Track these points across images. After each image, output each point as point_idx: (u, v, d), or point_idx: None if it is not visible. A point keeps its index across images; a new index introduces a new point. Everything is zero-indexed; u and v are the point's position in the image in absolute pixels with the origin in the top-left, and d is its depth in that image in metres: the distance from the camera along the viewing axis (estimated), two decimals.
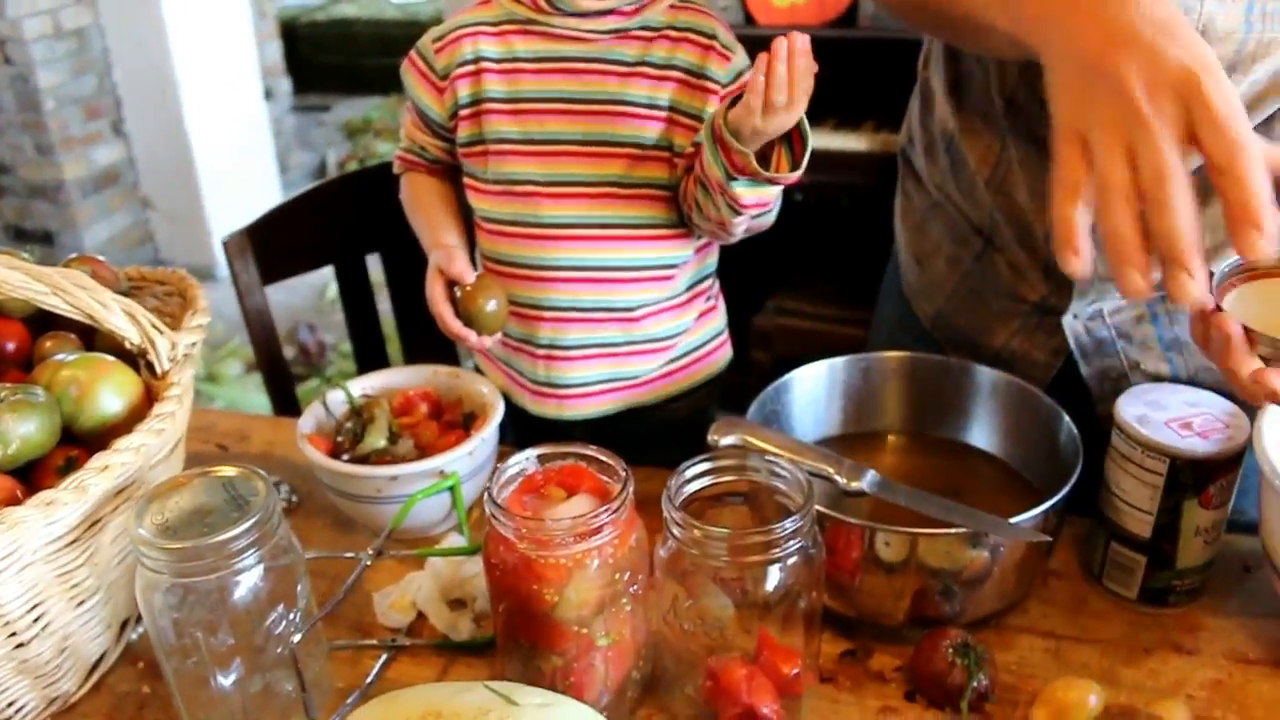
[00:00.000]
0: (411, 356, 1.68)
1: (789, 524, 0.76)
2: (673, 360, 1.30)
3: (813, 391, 1.09)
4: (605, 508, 0.79)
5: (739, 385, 1.50)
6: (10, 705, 0.89)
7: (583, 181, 1.19)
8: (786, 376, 1.06)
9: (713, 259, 1.31)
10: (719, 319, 1.35)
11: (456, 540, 1.08)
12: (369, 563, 0.93)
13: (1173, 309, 1.04)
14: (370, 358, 1.65)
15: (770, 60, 0.98)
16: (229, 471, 0.85)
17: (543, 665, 0.84)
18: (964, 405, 1.07)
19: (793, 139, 1.05)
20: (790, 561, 0.78)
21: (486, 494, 0.81)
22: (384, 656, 0.97)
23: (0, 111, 3.95)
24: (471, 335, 1.17)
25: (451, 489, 1.06)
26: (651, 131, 1.17)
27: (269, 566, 0.82)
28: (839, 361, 1.09)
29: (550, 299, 1.23)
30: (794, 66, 0.98)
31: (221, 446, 1.33)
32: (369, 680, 0.94)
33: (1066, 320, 1.06)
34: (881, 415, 1.11)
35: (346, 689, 0.94)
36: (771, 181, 1.06)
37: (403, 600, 1.01)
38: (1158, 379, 0.99)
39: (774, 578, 0.79)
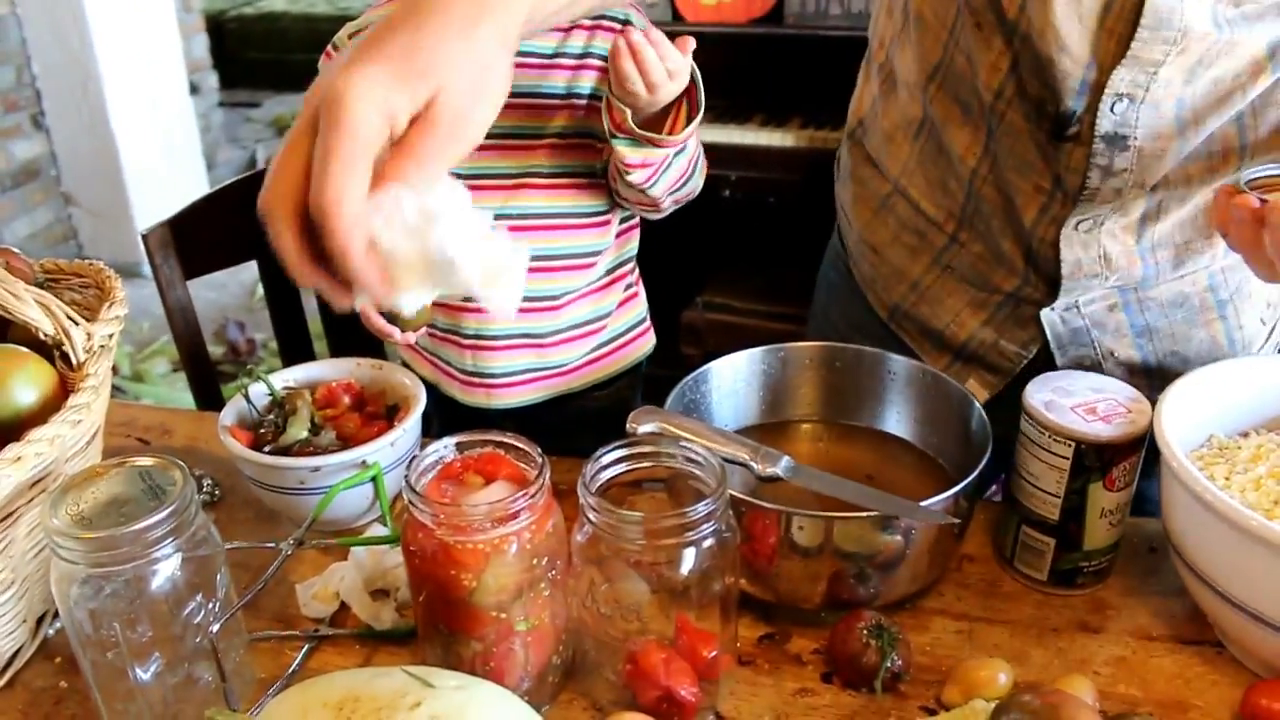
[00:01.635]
0: (339, 352, 1.67)
1: (702, 507, 0.78)
2: (597, 348, 1.31)
3: (731, 382, 1.10)
4: (522, 493, 0.79)
5: (668, 379, 1.51)
6: None
7: (506, 174, 1.20)
8: (705, 367, 1.08)
9: (632, 245, 1.33)
10: (640, 306, 1.37)
11: (379, 531, 1.08)
12: (290, 553, 0.93)
13: (1142, 296, 1.08)
14: (298, 355, 1.64)
15: (616, 60, 1.01)
16: (146, 462, 0.84)
17: (463, 651, 0.84)
18: (879, 393, 1.09)
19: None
20: (705, 545, 0.80)
21: (405, 481, 0.81)
22: (306, 647, 0.97)
23: None
24: (396, 332, 1.18)
25: (374, 480, 1.06)
26: (573, 121, 1.18)
27: (187, 556, 0.82)
28: (756, 352, 1.11)
29: None
30: (641, 61, 1.01)
31: (143, 441, 1.31)
32: (291, 670, 0.94)
33: (1044, 312, 1.09)
34: (799, 404, 1.13)
35: (269, 679, 0.94)
36: (650, 142, 1.08)
37: (325, 591, 1.01)
38: (1130, 366, 1.02)
39: (689, 561, 0.80)
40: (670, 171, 1.14)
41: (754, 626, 0.97)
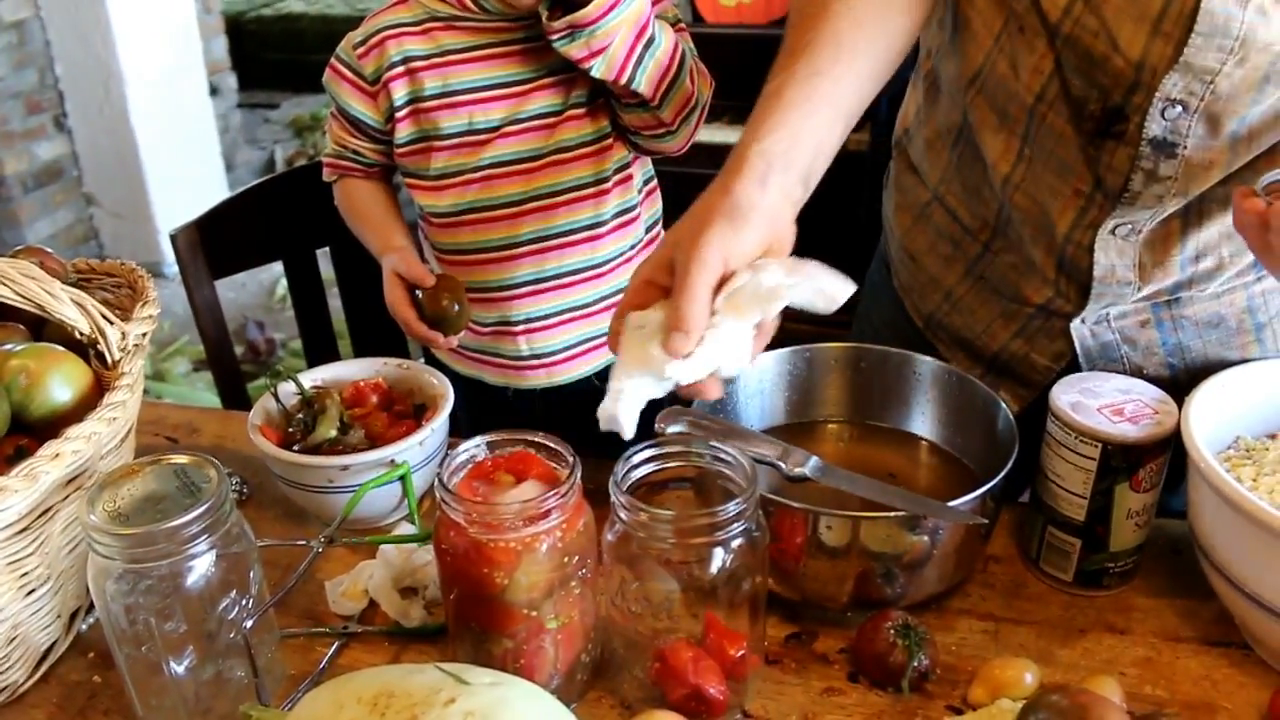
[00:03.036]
0: (362, 352, 1.69)
1: (732, 507, 0.78)
2: None
3: (758, 382, 1.11)
4: (554, 491, 0.80)
5: None
6: None
7: (535, 156, 1.21)
8: None
9: (659, 206, 1.37)
10: None
11: (407, 529, 1.08)
12: (320, 550, 0.94)
13: (1176, 314, 1.07)
14: (321, 354, 1.65)
15: None
16: (181, 459, 0.86)
17: (493, 648, 0.85)
18: (905, 394, 1.10)
19: None
20: (734, 544, 0.80)
21: (437, 479, 0.82)
22: (336, 644, 0.98)
23: None
24: (439, 337, 1.19)
25: (402, 479, 1.07)
26: (589, 89, 1.19)
27: (221, 553, 0.83)
28: (783, 352, 1.11)
29: (519, 275, 1.26)
30: None
31: (171, 439, 1.32)
32: (321, 667, 0.95)
33: (1074, 325, 1.08)
34: (825, 404, 1.13)
35: (299, 676, 0.95)
36: (571, 25, 1.09)
37: (354, 588, 1.02)
38: (1158, 383, 1.02)
39: (718, 560, 0.81)
40: (646, 67, 1.13)
41: (781, 626, 0.97)
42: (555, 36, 1.10)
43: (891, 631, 0.89)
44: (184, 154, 4.40)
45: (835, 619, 0.97)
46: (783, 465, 0.92)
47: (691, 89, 1.20)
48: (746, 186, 0.84)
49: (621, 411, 0.82)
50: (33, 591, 0.89)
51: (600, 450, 1.06)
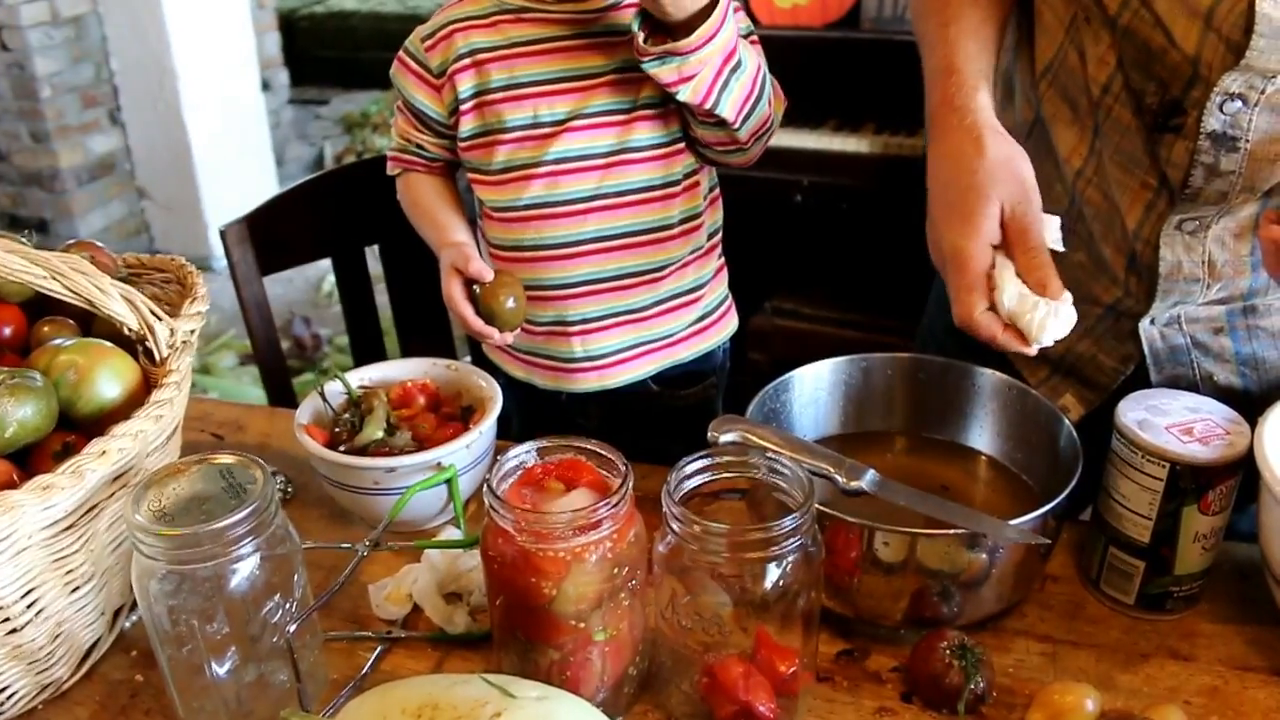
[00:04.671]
0: (409, 350, 1.68)
1: (789, 522, 0.76)
2: (697, 320, 1.31)
3: (813, 391, 1.08)
4: (605, 501, 0.78)
5: (736, 385, 1.50)
6: (1, 691, 0.88)
7: (599, 154, 1.19)
8: (786, 376, 1.06)
9: (720, 214, 1.34)
10: (726, 281, 1.37)
11: (453, 534, 1.07)
12: (365, 554, 0.93)
13: (1252, 323, 1.04)
14: (367, 351, 1.65)
15: None
16: (227, 459, 0.85)
17: (539, 659, 0.83)
18: (964, 407, 1.07)
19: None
20: (789, 560, 0.78)
21: (486, 485, 0.80)
22: (379, 649, 0.97)
23: None
24: (494, 332, 1.17)
25: (449, 482, 1.06)
26: (660, 92, 1.17)
27: (265, 555, 0.82)
28: (839, 361, 1.09)
29: (579, 274, 1.24)
30: None
31: (217, 436, 1.32)
32: (364, 672, 0.94)
33: (1143, 325, 1.06)
34: (881, 416, 1.11)
35: (341, 680, 0.94)
36: (669, 52, 1.07)
37: (399, 592, 1.01)
38: (1229, 392, 0.99)
39: (772, 575, 0.78)
40: (731, 91, 1.11)
41: (832, 642, 0.95)
42: (648, 59, 1.08)
43: (947, 652, 0.87)
44: (235, 149, 4.44)
45: (889, 636, 0.94)
46: (839, 478, 0.89)
47: (769, 111, 1.18)
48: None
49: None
50: (77, 589, 0.88)
51: (652, 457, 1.05)
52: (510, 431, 1.39)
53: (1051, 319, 0.89)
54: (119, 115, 4.22)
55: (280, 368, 1.55)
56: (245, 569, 0.81)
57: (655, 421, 1.30)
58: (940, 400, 1.08)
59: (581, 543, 0.79)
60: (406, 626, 0.99)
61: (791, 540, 0.77)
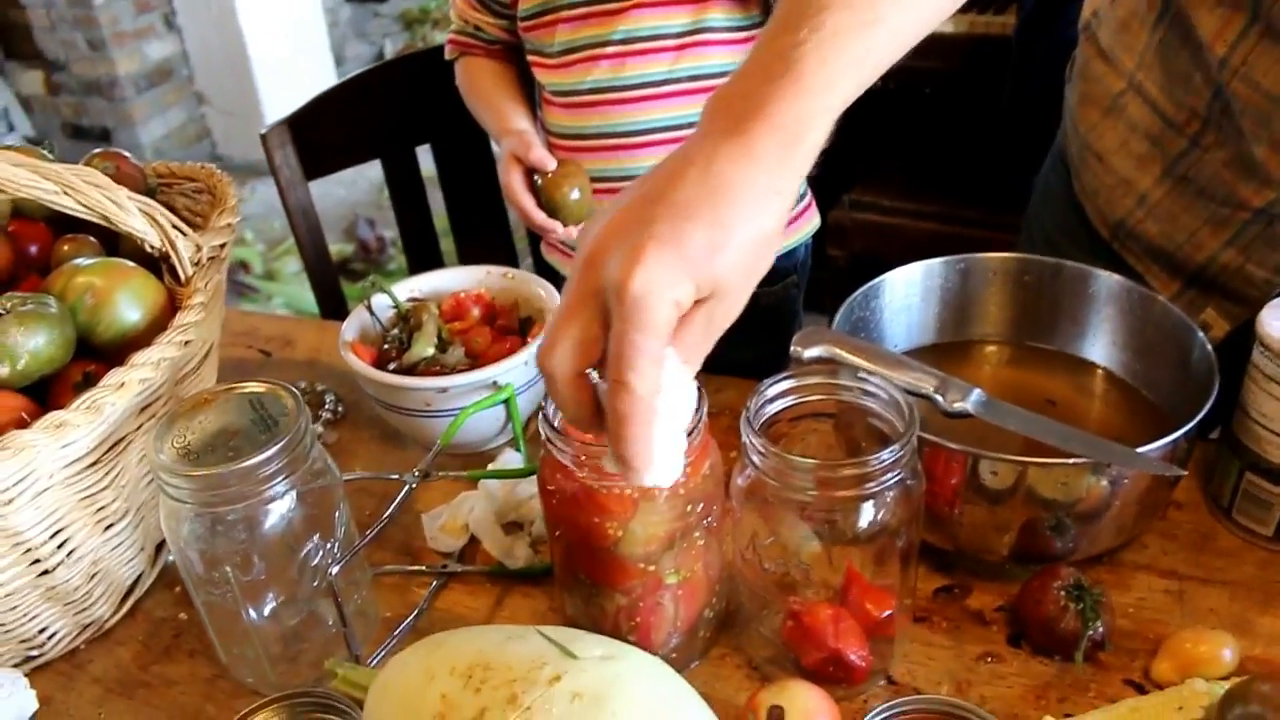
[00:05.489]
0: (466, 256, 1.59)
1: (887, 455, 0.66)
2: None
3: (905, 296, 0.97)
4: None
5: (814, 282, 1.39)
6: (41, 632, 0.83)
7: (670, 34, 1.08)
8: (876, 281, 0.95)
9: None
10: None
11: (512, 458, 0.99)
12: (414, 485, 0.85)
13: None
14: (423, 258, 1.56)
15: None
16: (256, 388, 0.77)
17: (605, 604, 0.75)
18: (1078, 314, 0.95)
19: None
20: (887, 496, 0.69)
21: (541, 415, 0.71)
22: (434, 584, 0.90)
23: (51, 7, 3.86)
24: (558, 226, 1.07)
25: (506, 402, 0.98)
26: None
27: (302, 492, 0.75)
28: (934, 263, 0.97)
29: (648, 164, 1.13)
30: None
31: (264, 352, 1.25)
32: (418, 610, 0.87)
33: None
34: (982, 323, 0.99)
35: (394, 619, 0.87)
36: None
37: (454, 523, 0.93)
38: None
39: (868, 514, 0.69)
40: None
41: (930, 578, 0.86)
42: None
43: (1062, 593, 0.77)
44: (293, 49, 4.33)
45: (993, 572, 0.85)
46: (940, 399, 0.79)
47: None
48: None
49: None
50: (111, 526, 0.82)
51: (728, 367, 0.95)
52: None
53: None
54: (174, 20, 4.13)
55: (330, 276, 1.46)
56: (280, 508, 0.74)
57: (733, 329, 1.19)
58: (1049, 306, 0.96)
59: None
60: (463, 560, 0.92)
61: (890, 475, 0.67)
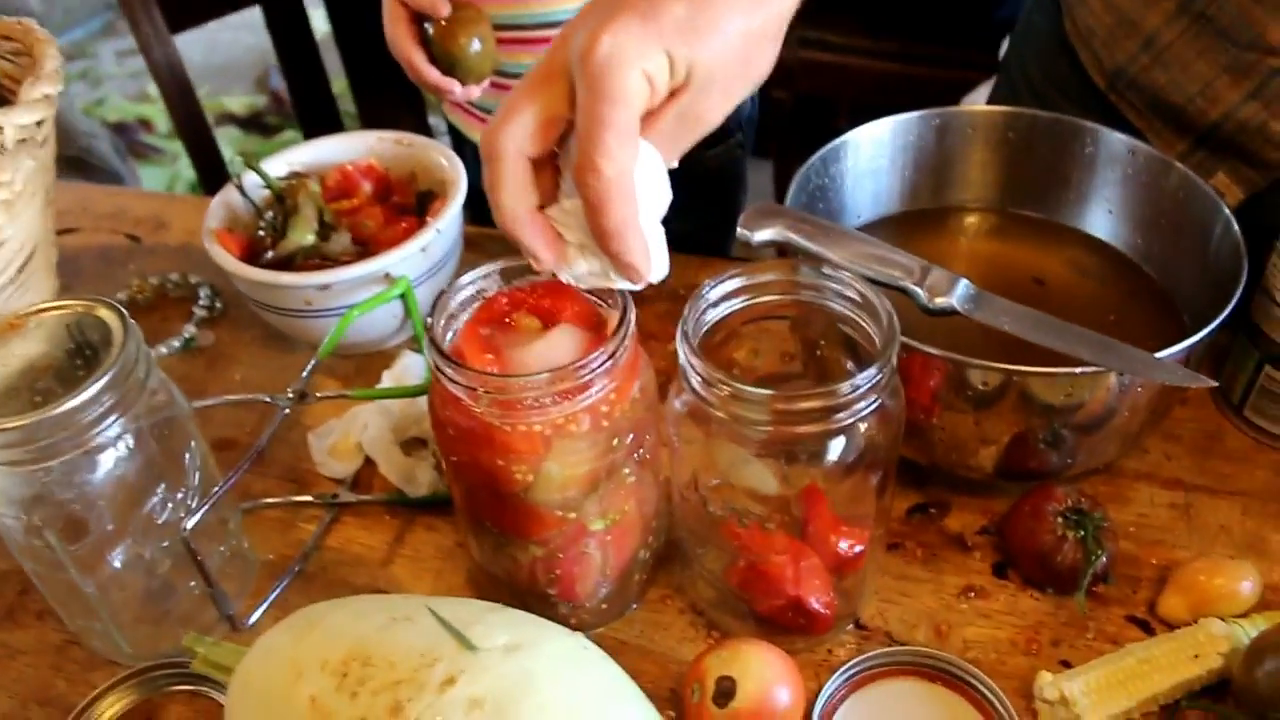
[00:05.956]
0: (372, 119, 1.40)
1: (863, 379, 0.53)
2: None
3: (872, 159, 0.83)
4: (600, 352, 0.55)
5: (759, 128, 1.23)
6: None
7: None
8: (838, 142, 0.80)
9: None
10: None
11: (413, 361, 0.85)
12: (288, 411, 0.70)
13: None
14: (318, 123, 1.37)
15: None
16: (75, 305, 0.61)
17: (518, 555, 0.62)
18: (1072, 177, 0.81)
19: None
20: (861, 427, 0.56)
21: (427, 336, 0.57)
22: (325, 518, 0.76)
23: None
24: (455, 85, 0.90)
25: (403, 297, 0.83)
26: None
27: (139, 434, 0.60)
28: (907, 119, 0.82)
29: (552, 11, 0.96)
30: None
31: (132, 237, 1.08)
32: (305, 552, 0.74)
33: None
34: (960, 188, 0.85)
35: (278, 562, 0.74)
36: None
37: (345, 443, 0.80)
38: None
39: (837, 450, 0.56)
40: None
41: (902, 495, 0.74)
42: None
43: (1059, 519, 0.66)
44: None
45: (972, 487, 0.73)
46: (920, 292, 0.65)
47: None
48: None
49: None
50: None
51: (669, 244, 0.82)
52: (487, 218, 1.15)
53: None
54: None
55: (208, 146, 1.28)
56: (110, 459, 0.59)
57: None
58: (1038, 168, 0.82)
59: (567, 410, 0.56)
60: (357, 487, 0.79)
61: (866, 402, 0.54)
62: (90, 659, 0.69)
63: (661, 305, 0.89)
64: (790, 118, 2.24)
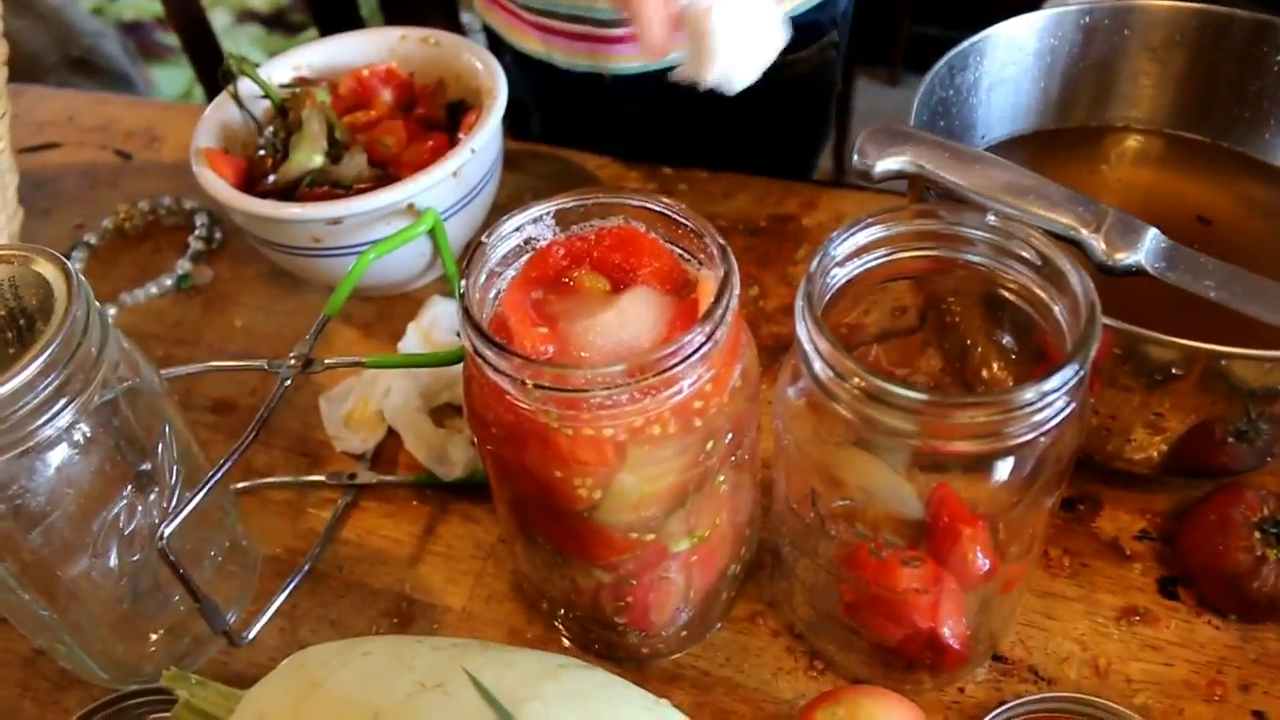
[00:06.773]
0: (393, 17, 1.24)
1: (1056, 379, 0.39)
2: None
3: (1006, 65, 0.67)
4: (693, 334, 0.41)
5: (858, 28, 1.05)
6: None
7: None
8: (966, 45, 0.65)
9: None
10: None
11: (445, 312, 0.71)
12: (290, 381, 0.57)
13: None
14: (334, 19, 1.22)
15: None
16: (4, 259, 0.47)
17: (579, 579, 0.49)
18: (1249, 93, 0.65)
19: None
20: (1041, 441, 0.41)
21: (460, 304, 0.43)
22: (340, 502, 0.64)
23: None
24: None
25: (431, 233, 0.69)
26: None
27: (96, 420, 0.47)
28: (1049, 15, 0.67)
29: None
30: None
31: (122, 154, 0.95)
32: (317, 547, 0.61)
33: None
34: (1120, 103, 0.69)
35: (284, 556, 0.62)
36: None
37: (364, 410, 0.66)
38: None
39: (1006, 469, 0.42)
40: None
41: None
42: None
43: (1256, 534, 0.52)
44: None
45: (1129, 481, 0.60)
46: (1096, 245, 0.50)
47: None
48: None
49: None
50: None
51: (746, 163, 0.68)
52: (529, 132, 1.00)
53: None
54: None
55: (210, 49, 1.13)
56: (58, 458, 0.46)
57: (749, 108, 0.85)
58: (1207, 80, 0.67)
59: (649, 409, 0.42)
60: (379, 464, 0.66)
61: (1053, 411, 0.40)
62: (62, 675, 0.58)
63: (738, 239, 0.75)
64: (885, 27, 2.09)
